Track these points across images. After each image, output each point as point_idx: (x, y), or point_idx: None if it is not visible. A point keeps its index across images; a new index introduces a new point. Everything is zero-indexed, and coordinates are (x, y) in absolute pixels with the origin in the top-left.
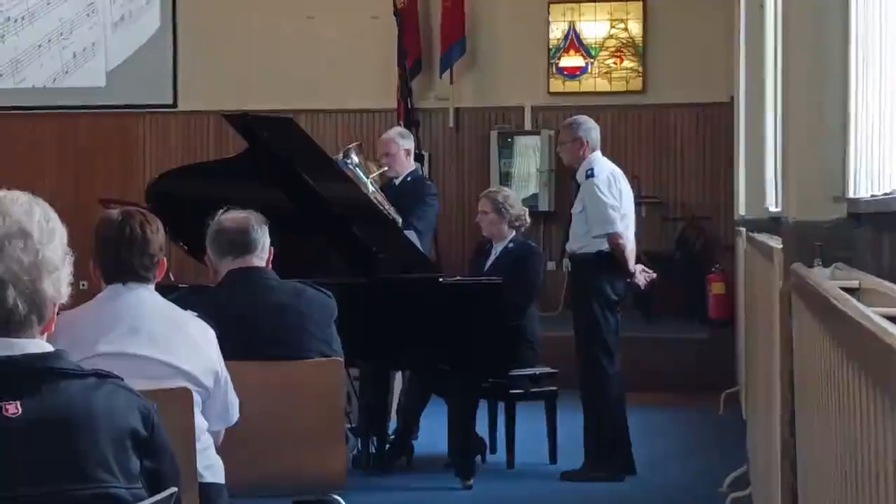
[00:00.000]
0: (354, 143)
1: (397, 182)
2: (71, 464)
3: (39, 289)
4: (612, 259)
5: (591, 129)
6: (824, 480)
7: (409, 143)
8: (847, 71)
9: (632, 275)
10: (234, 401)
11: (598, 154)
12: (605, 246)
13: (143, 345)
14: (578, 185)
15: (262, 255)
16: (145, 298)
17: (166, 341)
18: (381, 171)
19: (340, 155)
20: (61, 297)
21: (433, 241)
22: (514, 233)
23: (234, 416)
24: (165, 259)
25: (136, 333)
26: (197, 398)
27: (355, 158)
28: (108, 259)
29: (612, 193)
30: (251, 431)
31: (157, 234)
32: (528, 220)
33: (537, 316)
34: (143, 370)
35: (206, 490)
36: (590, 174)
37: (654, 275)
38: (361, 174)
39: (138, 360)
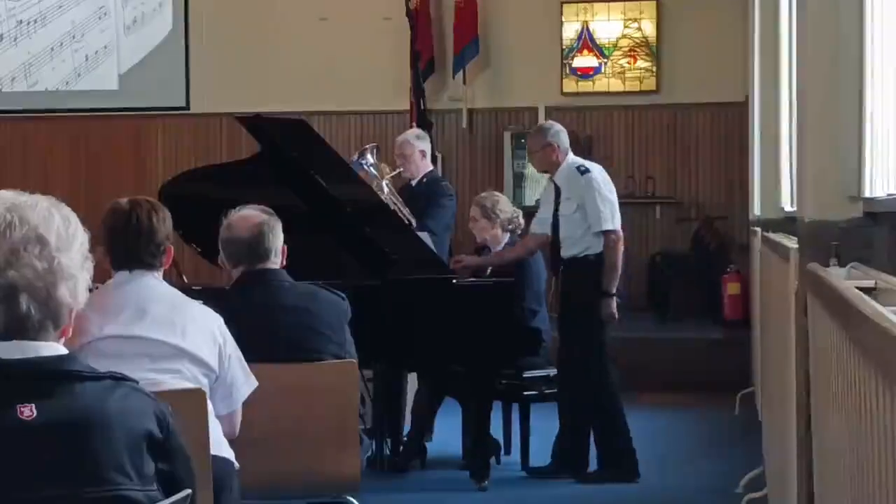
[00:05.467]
0: (371, 144)
1: (414, 183)
2: (86, 466)
3: (54, 295)
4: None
5: (560, 132)
6: (841, 481)
7: (424, 145)
8: (862, 69)
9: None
10: (237, 383)
11: (571, 155)
12: (601, 248)
13: (148, 327)
14: (557, 189)
15: (277, 260)
16: (151, 285)
17: (171, 324)
18: (395, 172)
19: (356, 156)
20: (78, 303)
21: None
22: (508, 236)
23: (239, 399)
24: (172, 247)
25: (141, 317)
26: (204, 381)
27: (370, 158)
28: (116, 247)
29: (610, 189)
30: (266, 433)
31: (164, 222)
32: (522, 221)
33: (546, 317)
34: (148, 351)
35: (218, 463)
36: (584, 170)
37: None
38: (376, 174)
39: (143, 341)
